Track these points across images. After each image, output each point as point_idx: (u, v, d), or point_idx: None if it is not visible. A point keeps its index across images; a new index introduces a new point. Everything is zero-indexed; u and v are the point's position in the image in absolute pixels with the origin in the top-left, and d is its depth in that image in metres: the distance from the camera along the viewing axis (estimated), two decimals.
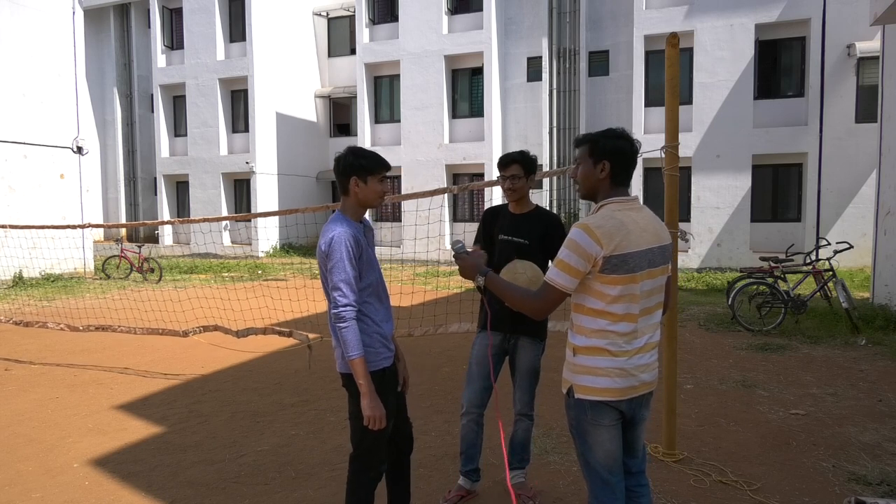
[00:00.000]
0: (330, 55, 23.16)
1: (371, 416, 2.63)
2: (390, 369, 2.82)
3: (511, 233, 3.41)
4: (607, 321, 2.27)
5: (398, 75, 19.15)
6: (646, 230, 2.30)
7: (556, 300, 2.29)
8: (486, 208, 3.71)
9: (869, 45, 13.50)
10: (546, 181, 17.45)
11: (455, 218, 18.95)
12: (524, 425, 3.51)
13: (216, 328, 6.75)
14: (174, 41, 22.08)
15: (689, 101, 14.94)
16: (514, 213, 3.48)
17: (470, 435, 3.49)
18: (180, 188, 22.47)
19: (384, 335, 2.80)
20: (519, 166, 3.38)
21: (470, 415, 3.48)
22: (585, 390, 2.32)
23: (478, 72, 18.51)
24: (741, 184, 14.86)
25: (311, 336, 6.24)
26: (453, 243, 2.68)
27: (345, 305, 2.60)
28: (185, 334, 6.81)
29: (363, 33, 19.33)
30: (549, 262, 3.44)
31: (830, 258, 8.44)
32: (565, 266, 2.25)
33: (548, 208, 17.00)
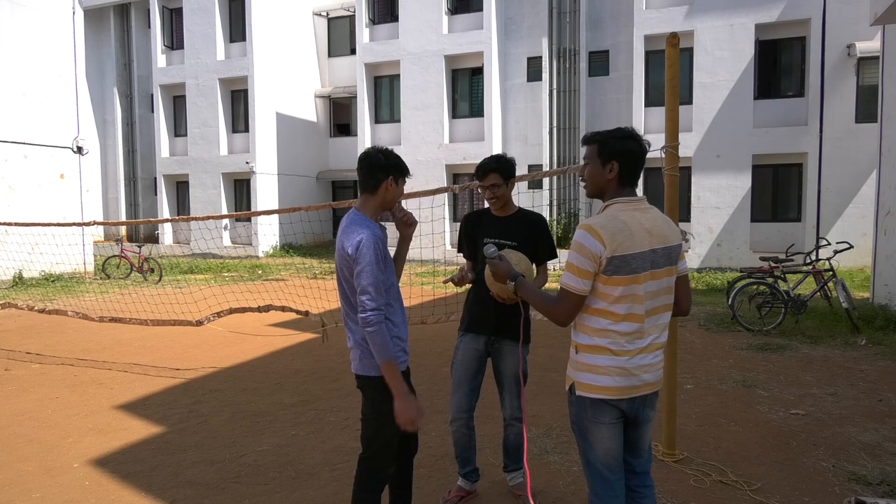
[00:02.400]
0: (330, 55, 23.16)
1: (405, 419, 2.63)
2: (404, 373, 2.81)
3: (497, 236, 3.39)
4: (609, 321, 2.28)
5: (398, 75, 19.15)
6: (650, 232, 2.30)
7: (574, 304, 2.29)
8: (466, 214, 3.70)
9: (869, 45, 13.50)
10: (546, 181, 17.45)
11: (455, 218, 18.94)
12: (515, 429, 3.48)
13: (231, 311, 6.80)
14: (174, 41, 22.08)
15: (689, 101, 14.93)
16: (498, 217, 3.46)
17: (462, 439, 3.48)
18: (180, 188, 22.47)
19: (402, 338, 2.79)
20: (497, 175, 3.35)
21: (459, 420, 3.46)
22: (586, 388, 2.33)
23: (478, 72, 18.50)
24: (741, 184, 14.86)
25: (326, 326, 6.23)
26: (485, 248, 2.69)
27: (373, 310, 2.57)
28: (199, 323, 6.88)
29: (363, 33, 19.33)
30: (534, 264, 3.46)
31: (830, 258, 8.43)
32: (574, 268, 2.26)
33: (547, 208, 17.09)
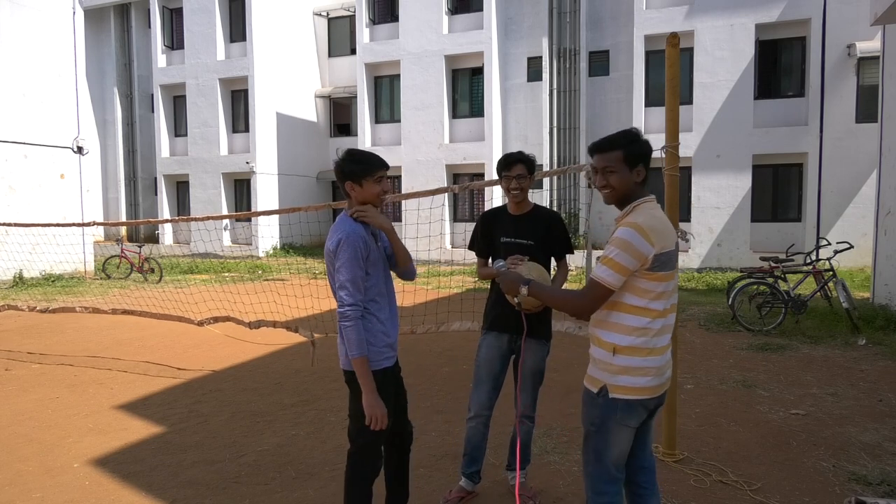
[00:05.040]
0: (330, 55, 23.16)
1: (372, 416, 2.65)
2: (391, 370, 2.84)
3: (514, 234, 3.41)
4: (648, 319, 2.31)
5: (398, 75, 19.15)
6: (672, 230, 2.39)
7: (602, 297, 2.31)
8: (483, 211, 3.71)
9: (869, 45, 13.50)
10: (546, 181, 17.45)
11: (455, 218, 18.94)
12: (526, 427, 3.51)
13: (228, 319, 6.82)
14: (174, 41, 22.08)
15: (690, 101, 14.93)
16: (515, 215, 3.48)
17: (476, 437, 3.49)
18: (180, 188, 22.47)
19: (388, 334, 2.81)
20: (523, 166, 3.39)
21: (479, 418, 3.48)
22: (624, 390, 2.33)
23: (478, 72, 18.50)
24: (741, 184, 14.86)
25: (316, 335, 6.25)
26: (495, 262, 2.83)
27: (350, 305, 2.63)
28: (200, 324, 6.92)
29: (363, 33, 19.33)
30: (552, 260, 3.48)
31: (831, 258, 8.43)
32: (615, 265, 2.25)
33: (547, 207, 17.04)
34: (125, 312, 7.53)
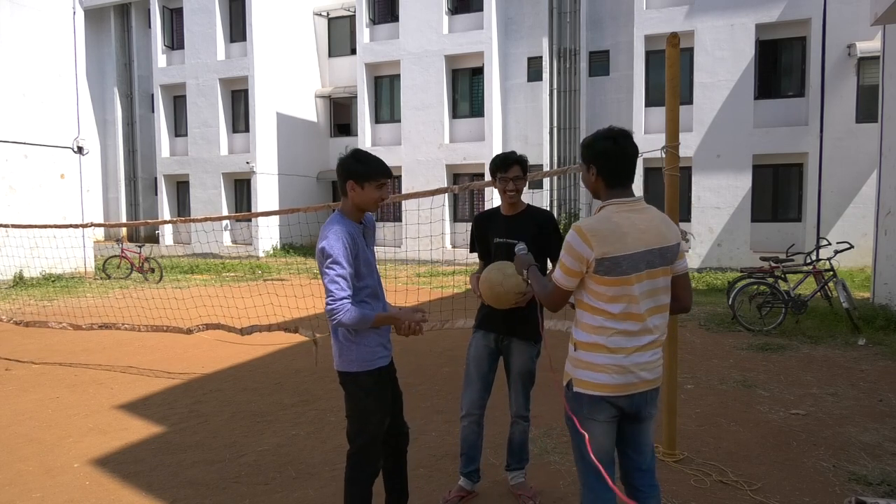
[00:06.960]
0: (330, 55, 23.16)
1: (409, 323, 2.75)
2: (386, 369, 2.86)
3: (505, 235, 3.42)
4: (605, 318, 2.31)
5: (398, 75, 19.15)
6: (646, 231, 2.31)
7: (559, 296, 2.41)
8: (476, 214, 3.75)
9: (869, 45, 13.50)
10: (546, 181, 17.45)
11: (455, 218, 18.94)
12: (521, 427, 3.52)
13: (219, 326, 6.76)
14: (174, 41, 22.09)
15: (690, 101, 14.93)
16: (507, 215, 3.48)
17: (471, 436, 3.50)
18: (181, 188, 22.47)
19: (381, 334, 2.84)
20: (520, 167, 3.40)
21: (471, 416, 3.49)
22: (584, 384, 2.37)
23: (478, 72, 18.51)
24: (741, 184, 14.86)
25: (317, 335, 6.25)
26: (517, 245, 2.99)
27: (341, 299, 2.61)
28: (189, 332, 6.83)
29: (363, 33, 19.34)
30: (548, 260, 3.49)
31: (831, 258, 8.43)
32: (563, 266, 2.35)
33: (548, 208, 17.07)
34: (103, 327, 7.35)
